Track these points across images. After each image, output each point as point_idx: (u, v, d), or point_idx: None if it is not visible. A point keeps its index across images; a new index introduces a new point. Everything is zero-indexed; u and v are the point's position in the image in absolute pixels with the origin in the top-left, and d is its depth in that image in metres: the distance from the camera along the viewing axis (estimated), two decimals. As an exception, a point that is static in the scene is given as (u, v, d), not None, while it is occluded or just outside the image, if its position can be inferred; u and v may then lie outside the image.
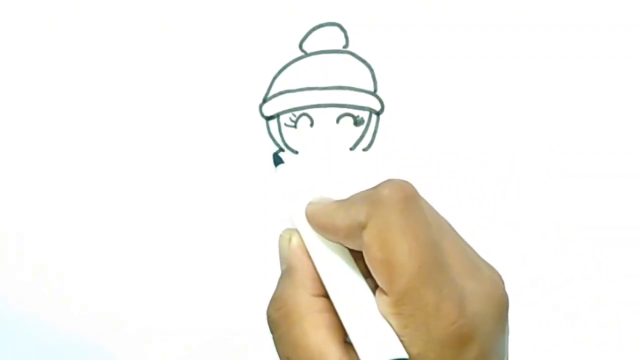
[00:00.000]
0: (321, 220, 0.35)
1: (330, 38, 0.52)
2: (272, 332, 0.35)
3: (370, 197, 0.32)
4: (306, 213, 0.36)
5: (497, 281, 0.33)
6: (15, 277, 0.52)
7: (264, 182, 0.52)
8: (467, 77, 0.52)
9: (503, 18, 0.52)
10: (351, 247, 0.34)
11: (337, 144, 0.52)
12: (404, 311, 0.31)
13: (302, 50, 0.52)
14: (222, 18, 0.53)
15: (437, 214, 0.34)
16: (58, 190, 0.52)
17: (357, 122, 0.52)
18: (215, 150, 0.52)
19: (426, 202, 0.33)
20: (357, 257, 0.34)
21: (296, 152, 0.52)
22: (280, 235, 0.37)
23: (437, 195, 0.51)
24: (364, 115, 0.52)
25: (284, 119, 0.52)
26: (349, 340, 0.33)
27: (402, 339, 0.31)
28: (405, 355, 0.30)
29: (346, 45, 0.52)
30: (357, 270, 0.34)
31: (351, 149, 0.52)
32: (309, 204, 0.36)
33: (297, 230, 0.36)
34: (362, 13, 0.52)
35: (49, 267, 0.52)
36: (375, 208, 0.32)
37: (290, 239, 0.36)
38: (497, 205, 0.51)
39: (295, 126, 0.52)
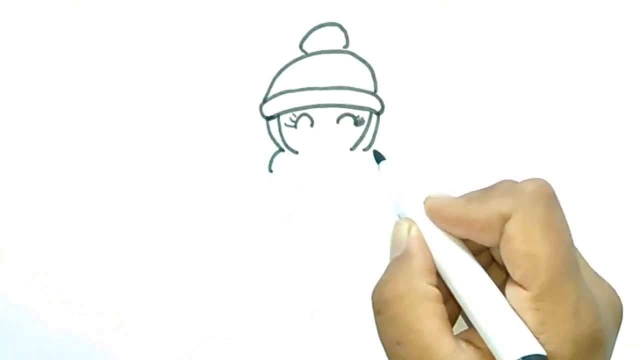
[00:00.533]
0: (450, 213, 0.34)
1: (330, 38, 0.52)
2: (378, 312, 0.33)
3: (515, 191, 0.32)
4: (428, 207, 0.35)
5: (615, 291, 0.33)
6: (15, 277, 0.52)
7: (264, 182, 0.52)
8: (467, 77, 0.52)
9: (503, 18, 0.52)
10: (480, 242, 0.33)
11: (337, 144, 0.52)
12: (544, 307, 0.30)
13: (302, 50, 0.52)
14: (222, 18, 0.53)
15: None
16: (58, 190, 0.52)
17: (357, 122, 0.52)
18: (215, 150, 0.52)
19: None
20: (476, 254, 0.34)
21: (296, 152, 0.52)
22: (398, 223, 0.36)
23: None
24: (364, 115, 0.52)
25: (284, 119, 0.52)
26: (460, 335, 0.32)
27: (538, 335, 0.30)
28: (544, 352, 0.30)
29: (346, 45, 0.52)
30: (480, 266, 0.34)
31: (351, 149, 0.52)
32: (429, 198, 0.35)
33: (414, 222, 0.35)
34: (362, 13, 0.52)
35: (49, 267, 0.52)
36: (520, 201, 0.32)
37: (410, 228, 0.35)
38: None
39: (295, 126, 0.52)
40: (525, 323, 0.31)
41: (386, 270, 0.35)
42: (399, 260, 0.35)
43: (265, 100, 0.52)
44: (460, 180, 0.51)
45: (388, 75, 0.52)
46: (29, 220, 0.52)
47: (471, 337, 0.32)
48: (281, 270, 0.51)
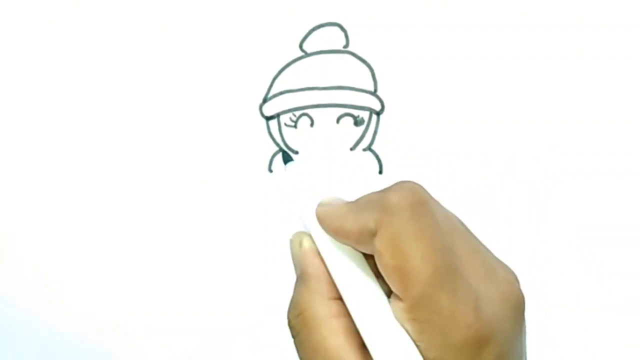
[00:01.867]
0: (332, 223, 0.34)
1: (330, 38, 0.52)
2: (292, 337, 0.35)
3: (380, 204, 0.32)
4: (317, 215, 0.35)
5: (512, 281, 0.33)
6: (15, 278, 0.52)
7: (264, 182, 0.52)
8: (467, 77, 0.52)
9: (503, 18, 0.52)
10: (363, 251, 0.34)
11: (337, 144, 0.52)
12: (420, 317, 0.30)
13: (302, 50, 0.52)
14: (222, 18, 0.53)
15: (449, 215, 0.34)
16: (58, 191, 0.52)
17: (357, 122, 0.52)
18: (215, 150, 0.52)
19: (437, 204, 0.33)
20: (369, 258, 0.34)
21: (296, 152, 0.52)
22: (291, 240, 0.36)
23: (437, 195, 0.51)
24: (364, 115, 0.52)
25: (284, 119, 0.52)
26: None
27: (419, 344, 0.31)
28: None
29: (346, 45, 0.52)
30: (371, 273, 0.34)
31: (351, 149, 0.52)
32: (320, 205, 0.36)
33: (307, 233, 0.36)
34: (362, 13, 0.52)
35: (49, 267, 0.52)
36: (384, 215, 0.31)
37: (301, 243, 0.36)
38: (498, 205, 0.51)
39: (295, 126, 0.52)
40: (407, 332, 0.31)
41: (293, 292, 0.35)
42: (298, 280, 0.36)
43: (265, 100, 0.52)
44: (460, 181, 0.51)
45: (388, 75, 0.52)
46: (29, 221, 0.52)
47: None
48: (281, 270, 0.51)
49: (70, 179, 0.52)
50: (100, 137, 0.52)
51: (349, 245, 0.34)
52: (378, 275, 0.33)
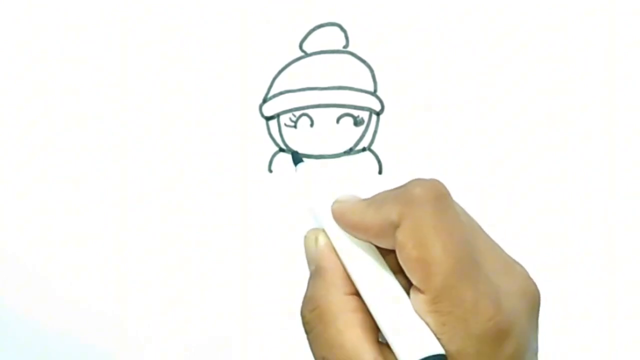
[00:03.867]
0: (350, 218, 0.34)
1: (330, 38, 0.52)
2: (307, 332, 0.34)
3: (402, 197, 0.32)
4: (333, 211, 0.35)
5: (527, 277, 0.33)
6: (15, 277, 0.52)
7: (264, 182, 0.52)
8: (467, 77, 0.52)
9: (503, 18, 0.52)
10: (381, 246, 0.34)
11: (337, 144, 0.52)
12: (441, 308, 0.31)
13: (302, 50, 0.52)
14: (222, 18, 0.53)
15: (467, 213, 0.34)
16: (58, 190, 0.52)
17: (357, 122, 0.52)
18: (216, 150, 0.52)
19: (456, 202, 0.33)
20: (385, 254, 0.34)
21: (296, 153, 0.52)
22: (306, 236, 0.36)
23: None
24: (364, 115, 0.52)
25: (284, 119, 0.52)
26: (382, 339, 0.33)
27: (440, 336, 0.31)
28: (443, 352, 0.30)
29: (346, 45, 0.52)
30: (387, 268, 0.34)
31: (351, 149, 0.52)
32: (335, 202, 0.36)
33: (322, 230, 0.36)
34: (362, 13, 0.52)
35: (49, 267, 0.52)
36: (407, 207, 0.32)
37: (317, 239, 0.36)
38: (498, 205, 0.51)
39: (295, 126, 0.52)
40: (428, 325, 0.31)
41: (307, 287, 0.35)
42: (313, 275, 0.35)
43: (265, 100, 0.52)
44: (460, 180, 0.51)
45: (388, 75, 0.52)
46: (28, 220, 0.52)
47: None
48: (281, 270, 0.51)
49: (70, 179, 0.52)
50: (100, 137, 0.52)
51: (367, 240, 0.34)
52: (396, 272, 0.33)
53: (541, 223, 0.50)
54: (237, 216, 0.51)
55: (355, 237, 0.35)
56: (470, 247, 0.32)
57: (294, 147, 0.52)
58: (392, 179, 0.51)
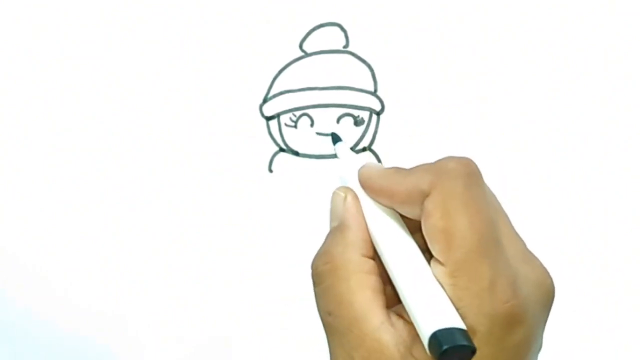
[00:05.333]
0: (376, 182, 0.35)
1: (330, 38, 0.52)
2: (315, 284, 0.34)
3: (435, 168, 0.33)
4: (360, 175, 0.36)
5: (546, 270, 0.33)
6: (15, 277, 0.52)
7: (264, 182, 0.52)
8: (467, 77, 0.52)
9: (503, 18, 0.52)
10: (405, 214, 0.34)
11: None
12: (459, 282, 0.31)
13: (302, 50, 0.52)
14: (222, 18, 0.53)
15: (495, 196, 0.34)
16: (58, 190, 0.52)
17: (357, 122, 0.52)
18: (216, 150, 0.52)
19: (486, 184, 0.34)
20: (409, 226, 0.34)
21: (296, 152, 0.52)
22: (335, 192, 0.36)
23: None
24: (364, 115, 0.52)
25: (284, 119, 0.52)
26: (392, 309, 0.32)
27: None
28: (464, 326, 0.30)
29: (346, 45, 0.52)
30: (412, 237, 0.34)
31: (351, 149, 0.52)
32: (363, 166, 0.36)
33: (352, 190, 0.36)
34: (362, 13, 0.52)
35: (49, 267, 0.52)
36: (439, 178, 0.32)
37: (345, 197, 0.36)
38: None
39: (295, 126, 0.52)
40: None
41: (324, 242, 0.35)
42: (334, 231, 0.35)
43: (265, 100, 0.52)
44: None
45: (388, 75, 0.52)
46: (29, 219, 0.52)
47: (403, 311, 0.32)
48: (281, 270, 0.51)
49: (70, 179, 0.52)
50: (101, 137, 0.52)
51: (390, 206, 0.34)
52: (418, 244, 0.33)
53: (541, 223, 0.50)
54: (237, 216, 0.51)
55: (381, 203, 0.35)
56: (495, 227, 0.32)
57: (294, 147, 0.52)
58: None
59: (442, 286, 0.31)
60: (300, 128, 0.52)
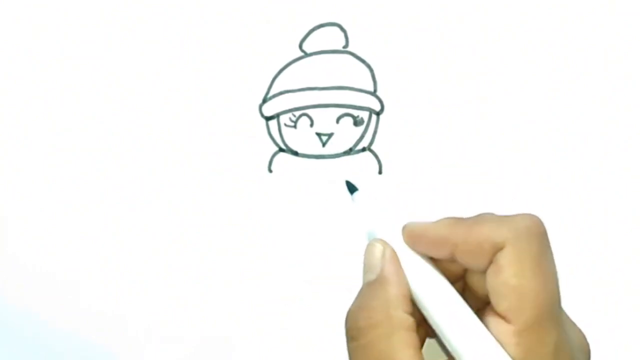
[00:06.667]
0: (433, 233, 0.34)
1: (330, 38, 0.52)
2: (352, 339, 0.34)
3: (509, 222, 0.32)
4: (409, 230, 0.35)
5: (584, 334, 0.34)
6: (15, 277, 0.52)
7: (264, 182, 0.52)
8: (467, 77, 0.52)
9: (503, 18, 0.52)
10: (464, 263, 0.33)
11: (337, 144, 0.52)
12: (526, 343, 0.30)
13: (302, 50, 0.52)
14: (222, 18, 0.53)
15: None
16: (58, 190, 0.52)
17: (357, 122, 0.52)
18: (215, 150, 0.52)
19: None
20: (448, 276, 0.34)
21: (296, 152, 0.52)
22: (371, 244, 0.36)
23: (437, 196, 0.51)
24: (364, 115, 0.52)
25: (284, 119, 0.52)
26: None
27: None
28: None
29: (346, 45, 0.52)
30: (454, 290, 0.33)
31: (351, 149, 0.52)
32: (408, 223, 0.35)
33: (388, 244, 0.35)
34: (362, 13, 0.52)
35: (49, 267, 0.52)
36: (515, 234, 0.31)
37: (384, 250, 0.35)
38: (498, 205, 0.51)
39: (295, 126, 0.52)
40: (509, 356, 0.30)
41: (360, 295, 0.35)
42: (373, 285, 0.34)
43: (265, 100, 0.52)
44: (460, 181, 0.51)
45: (388, 75, 0.52)
46: (29, 219, 0.52)
47: None
48: (281, 270, 0.51)
49: (71, 179, 0.52)
50: (101, 137, 0.52)
51: (447, 257, 0.33)
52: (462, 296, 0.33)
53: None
54: (237, 216, 0.51)
55: (432, 254, 0.34)
56: (559, 291, 0.32)
57: (294, 147, 0.52)
58: (392, 179, 0.51)
59: (506, 345, 0.31)
60: (300, 128, 0.52)
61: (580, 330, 0.33)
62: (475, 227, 0.33)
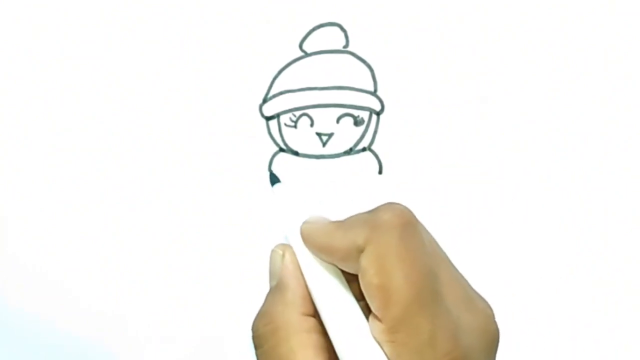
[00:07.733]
0: (318, 240, 0.34)
1: (330, 38, 0.52)
2: (257, 346, 0.34)
3: (370, 221, 0.32)
4: (302, 232, 0.35)
5: (490, 315, 0.33)
6: (15, 277, 0.52)
7: (263, 183, 0.52)
8: (467, 77, 0.52)
9: (503, 18, 0.52)
10: (346, 270, 0.34)
11: (337, 144, 0.52)
12: (398, 339, 0.30)
13: (302, 50, 0.52)
14: (222, 18, 0.53)
15: (435, 242, 0.34)
16: (58, 190, 0.52)
17: (357, 122, 0.52)
18: (215, 150, 0.52)
19: (425, 230, 0.33)
20: (350, 280, 0.34)
21: (296, 152, 0.52)
22: (273, 250, 0.36)
23: (436, 197, 0.51)
24: (364, 115, 0.52)
25: (284, 119, 0.52)
26: None
27: None
28: None
29: (346, 45, 0.52)
30: (351, 293, 0.34)
31: (351, 149, 0.52)
32: (305, 222, 0.36)
33: (290, 247, 0.36)
34: (362, 13, 0.52)
35: (49, 267, 0.52)
36: (374, 232, 0.31)
37: (283, 255, 0.36)
38: (498, 206, 0.51)
39: (295, 126, 0.52)
40: (385, 355, 0.31)
41: (264, 302, 0.35)
42: (273, 290, 0.35)
43: (265, 100, 0.52)
44: (460, 181, 0.51)
45: (388, 75, 0.52)
46: (29, 219, 0.52)
47: None
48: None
49: (70, 179, 0.52)
50: (101, 137, 0.52)
51: (332, 263, 0.34)
52: (359, 298, 0.33)
53: (541, 223, 0.50)
54: (237, 216, 0.51)
55: (322, 259, 0.34)
56: (433, 278, 0.31)
57: (294, 147, 0.52)
58: (392, 179, 0.51)
59: (382, 342, 0.31)
60: (300, 128, 0.52)
61: (482, 312, 0.33)
62: (345, 233, 0.33)
